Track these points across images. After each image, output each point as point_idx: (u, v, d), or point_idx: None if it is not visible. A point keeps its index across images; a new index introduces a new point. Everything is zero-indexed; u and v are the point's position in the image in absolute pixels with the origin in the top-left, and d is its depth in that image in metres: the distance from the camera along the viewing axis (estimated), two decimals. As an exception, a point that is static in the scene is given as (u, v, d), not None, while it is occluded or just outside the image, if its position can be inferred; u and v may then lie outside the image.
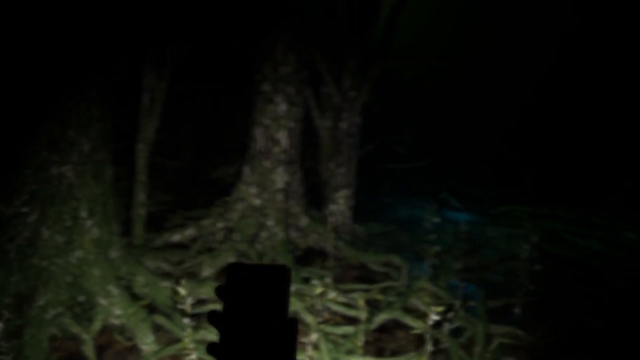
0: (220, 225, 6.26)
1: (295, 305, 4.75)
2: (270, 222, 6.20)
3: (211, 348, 0.91)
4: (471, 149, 11.61)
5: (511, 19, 12.07)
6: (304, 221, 6.46)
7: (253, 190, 6.29)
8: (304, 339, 4.29)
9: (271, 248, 6.03)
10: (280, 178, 6.30)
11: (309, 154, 8.53)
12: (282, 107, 6.23)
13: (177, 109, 9.27)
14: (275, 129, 6.27)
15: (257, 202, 6.27)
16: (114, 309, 4.54)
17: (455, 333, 4.82)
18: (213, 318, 0.93)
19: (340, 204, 6.67)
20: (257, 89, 6.27)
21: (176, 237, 6.19)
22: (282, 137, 6.29)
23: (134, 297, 4.84)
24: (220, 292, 0.94)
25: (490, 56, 12.15)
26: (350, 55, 6.08)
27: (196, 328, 4.27)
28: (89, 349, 4.27)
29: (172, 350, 4.33)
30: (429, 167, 10.89)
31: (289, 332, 0.93)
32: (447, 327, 4.55)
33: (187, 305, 4.06)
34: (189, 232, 6.23)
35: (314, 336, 4.18)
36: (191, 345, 3.79)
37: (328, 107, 6.60)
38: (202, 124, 9.79)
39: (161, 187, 8.69)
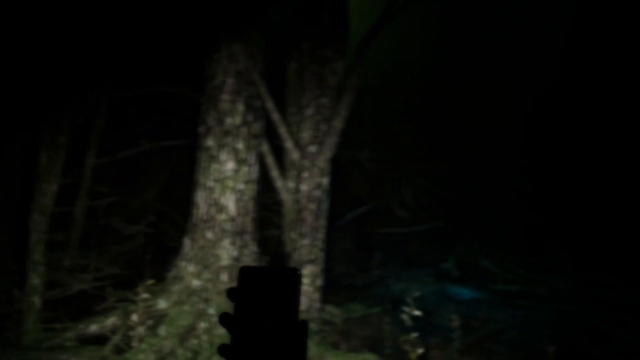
0: (150, 311, 4.95)
1: None
2: (211, 310, 4.86)
3: (223, 349, 0.93)
4: (484, 209, 10.16)
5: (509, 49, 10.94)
6: (256, 307, 5.11)
7: (192, 267, 5.01)
8: None
9: (209, 345, 4.65)
10: (225, 253, 5.01)
11: (273, 222, 7.28)
12: (229, 165, 5.04)
13: (142, 165, 8.22)
14: (221, 192, 5.06)
15: (196, 283, 4.97)
16: None
17: None
18: (224, 320, 0.95)
19: (304, 284, 5.30)
20: (200, 143, 5.14)
21: (94, 328, 4.89)
22: (229, 201, 5.06)
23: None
24: (231, 294, 0.96)
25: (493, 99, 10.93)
26: (308, 100, 4.93)
27: None
28: None
29: None
30: (432, 232, 9.45)
31: (300, 333, 0.94)
32: None
33: None
34: (111, 320, 4.93)
35: None
36: None
37: (292, 165, 5.41)
38: (170, 182, 8.71)
39: (112, 256, 7.49)
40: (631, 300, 6.41)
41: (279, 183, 5.34)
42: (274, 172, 5.34)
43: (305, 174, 5.00)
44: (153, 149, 6.79)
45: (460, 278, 7.91)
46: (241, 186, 5.03)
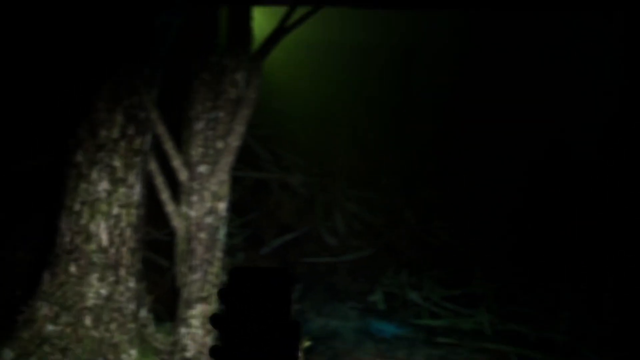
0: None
1: None
2: (68, 362, 3.95)
3: (213, 351, 0.92)
4: (416, 236, 9.70)
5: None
6: (131, 358, 4.22)
7: (47, 309, 4.08)
8: None
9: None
10: (92, 291, 4.13)
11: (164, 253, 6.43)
12: (102, 185, 4.21)
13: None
14: (90, 217, 4.21)
15: (51, 328, 4.05)
16: None
17: None
18: (215, 321, 0.95)
19: (193, 327, 4.48)
20: (67, 159, 4.29)
21: None
22: (100, 229, 4.22)
23: None
24: (222, 295, 0.94)
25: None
26: (197, 112, 4.19)
27: None
28: None
29: None
30: (361, 261, 8.84)
31: (292, 334, 0.94)
32: None
33: None
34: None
35: None
36: None
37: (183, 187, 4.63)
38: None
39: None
40: (552, 336, 5.99)
41: (169, 207, 4.54)
42: (164, 195, 4.53)
43: (194, 198, 4.23)
44: None
45: (386, 312, 7.30)
46: (116, 210, 4.18)
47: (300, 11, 4.28)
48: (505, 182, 9.86)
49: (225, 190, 4.43)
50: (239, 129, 4.18)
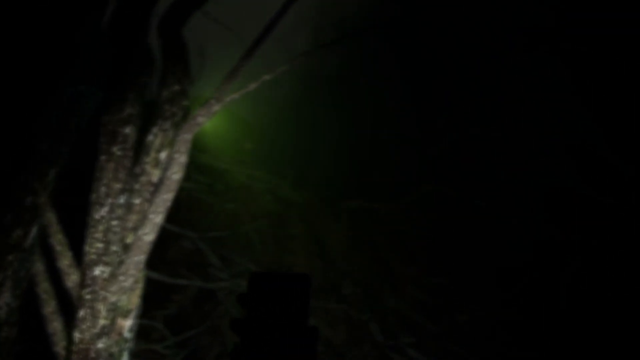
0: None
1: None
2: None
3: (234, 354, 1.00)
4: (391, 351, 8.33)
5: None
6: None
7: None
8: None
9: None
10: None
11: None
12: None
13: None
14: None
15: None
16: None
17: None
18: (235, 325, 0.86)
19: None
20: None
21: None
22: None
23: None
24: (241, 300, 1.06)
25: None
26: (99, 196, 3.13)
27: None
28: None
29: None
30: None
31: (310, 339, 0.82)
32: None
33: None
34: None
35: None
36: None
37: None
38: None
39: None
40: None
41: (52, 326, 3.26)
42: (48, 308, 3.28)
43: (83, 313, 2.98)
44: None
45: None
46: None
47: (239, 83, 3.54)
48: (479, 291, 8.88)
49: (132, 301, 3.24)
50: (156, 219, 3.14)
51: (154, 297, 7.63)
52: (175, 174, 3.22)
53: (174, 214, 9.44)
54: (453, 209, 10.11)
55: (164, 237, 8.94)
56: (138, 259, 3.14)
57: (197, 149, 10.74)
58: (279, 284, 0.96)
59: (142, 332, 6.90)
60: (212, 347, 6.97)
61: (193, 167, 10.39)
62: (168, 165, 3.23)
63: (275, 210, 10.76)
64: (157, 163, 3.40)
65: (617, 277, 7.58)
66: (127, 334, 3.21)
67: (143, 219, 3.17)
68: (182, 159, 3.24)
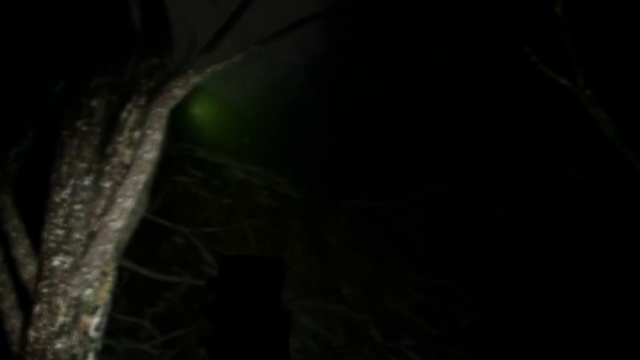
0: None
1: None
2: None
3: (203, 340, 0.66)
4: (390, 354, 7.93)
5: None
6: None
7: None
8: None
9: None
10: None
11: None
12: None
13: None
14: None
15: None
16: None
17: None
18: (205, 310, 0.82)
19: None
20: None
21: None
22: None
23: None
24: (212, 284, 0.63)
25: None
26: (62, 175, 2.75)
27: None
28: None
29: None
30: None
31: (283, 323, 0.84)
32: None
33: None
34: None
35: None
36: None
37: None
38: None
39: None
40: None
41: (10, 324, 2.88)
42: (6, 303, 2.90)
43: (39, 309, 2.60)
44: None
45: None
46: None
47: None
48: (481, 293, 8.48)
49: (99, 296, 2.86)
50: (124, 203, 2.76)
51: (143, 294, 7.24)
52: (148, 153, 2.84)
53: (166, 209, 9.08)
54: (455, 209, 9.73)
55: (155, 233, 8.58)
56: (104, 248, 2.75)
57: (193, 142, 10.37)
58: (251, 268, 0.95)
59: (129, 331, 6.51)
60: (200, 347, 6.56)
61: (188, 161, 10.01)
62: (140, 144, 2.85)
63: (273, 206, 10.38)
64: (131, 143, 3.02)
65: (621, 276, 7.18)
66: (93, 333, 2.83)
67: (110, 204, 2.79)
68: (155, 136, 2.86)
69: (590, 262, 7.66)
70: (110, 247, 2.77)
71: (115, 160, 2.94)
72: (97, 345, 2.88)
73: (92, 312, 2.82)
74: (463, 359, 7.87)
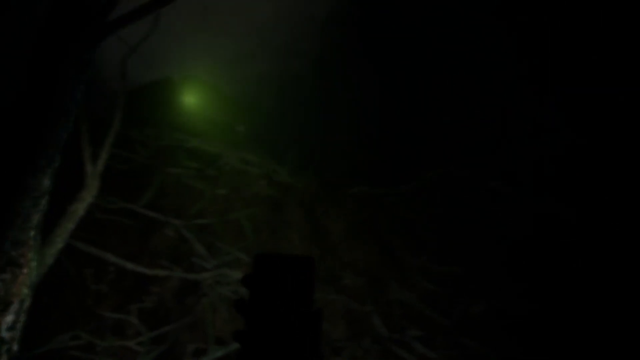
0: None
1: None
2: None
3: (238, 335, 0.99)
4: (395, 346, 7.43)
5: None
6: None
7: None
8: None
9: None
10: None
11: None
12: None
13: None
14: None
15: None
16: None
17: None
18: (239, 306, 1.02)
19: None
20: None
21: None
22: None
23: None
24: (246, 281, 0.96)
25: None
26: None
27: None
28: None
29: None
30: None
31: (314, 321, 0.95)
32: None
33: None
34: None
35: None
36: None
37: None
38: None
39: None
40: None
41: None
42: None
43: None
44: None
45: None
46: None
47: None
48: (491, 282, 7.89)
49: (12, 292, 2.45)
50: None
51: (130, 290, 6.87)
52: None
53: (158, 201, 8.66)
54: (463, 192, 9.12)
55: (145, 227, 8.17)
56: (14, 236, 2.33)
57: (186, 132, 9.97)
58: (284, 266, 0.87)
59: (115, 328, 6.15)
60: (192, 342, 6.17)
61: (181, 152, 9.63)
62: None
63: (271, 195, 9.94)
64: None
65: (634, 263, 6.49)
66: (5, 334, 2.42)
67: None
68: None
69: (613, 246, 7.01)
70: (25, 235, 2.35)
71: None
72: (13, 347, 2.47)
73: (3, 309, 2.41)
74: (474, 349, 7.31)
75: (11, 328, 2.43)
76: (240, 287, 7.52)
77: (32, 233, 2.50)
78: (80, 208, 3.31)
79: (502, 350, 7.08)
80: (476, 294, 8.08)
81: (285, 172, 10.50)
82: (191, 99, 10.25)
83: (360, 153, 11.12)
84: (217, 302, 7.07)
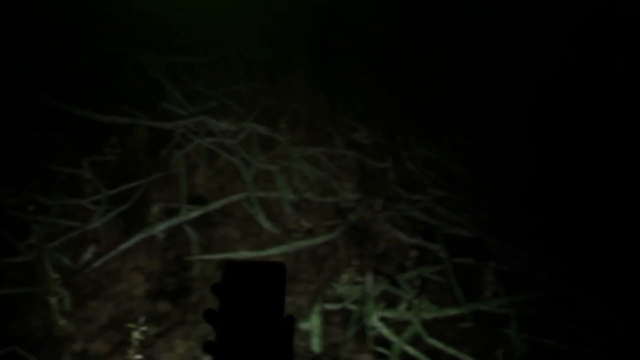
0: None
1: None
2: None
3: (208, 346, 0.83)
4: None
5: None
6: None
7: None
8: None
9: None
10: None
11: None
12: None
13: None
14: None
15: None
16: None
17: None
18: (209, 316, 0.86)
19: None
20: None
21: None
22: None
23: None
24: (216, 290, 0.87)
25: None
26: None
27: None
28: None
29: None
30: (319, 251, 5.26)
31: (286, 329, 0.86)
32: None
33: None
34: None
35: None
36: None
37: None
38: None
39: None
40: None
41: None
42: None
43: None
44: None
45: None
46: None
47: None
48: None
49: None
50: None
51: (84, 141, 5.44)
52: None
53: (120, 33, 6.62)
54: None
55: (103, 66, 6.37)
56: None
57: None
58: (255, 273, 0.79)
59: (66, 185, 4.83)
60: (158, 202, 4.82)
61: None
62: None
63: (270, 29, 7.88)
64: None
65: None
66: None
67: None
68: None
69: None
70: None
71: None
72: None
73: None
74: (510, 213, 5.80)
75: None
76: (225, 139, 5.97)
77: None
78: None
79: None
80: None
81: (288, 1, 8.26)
82: None
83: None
84: (194, 155, 5.59)
